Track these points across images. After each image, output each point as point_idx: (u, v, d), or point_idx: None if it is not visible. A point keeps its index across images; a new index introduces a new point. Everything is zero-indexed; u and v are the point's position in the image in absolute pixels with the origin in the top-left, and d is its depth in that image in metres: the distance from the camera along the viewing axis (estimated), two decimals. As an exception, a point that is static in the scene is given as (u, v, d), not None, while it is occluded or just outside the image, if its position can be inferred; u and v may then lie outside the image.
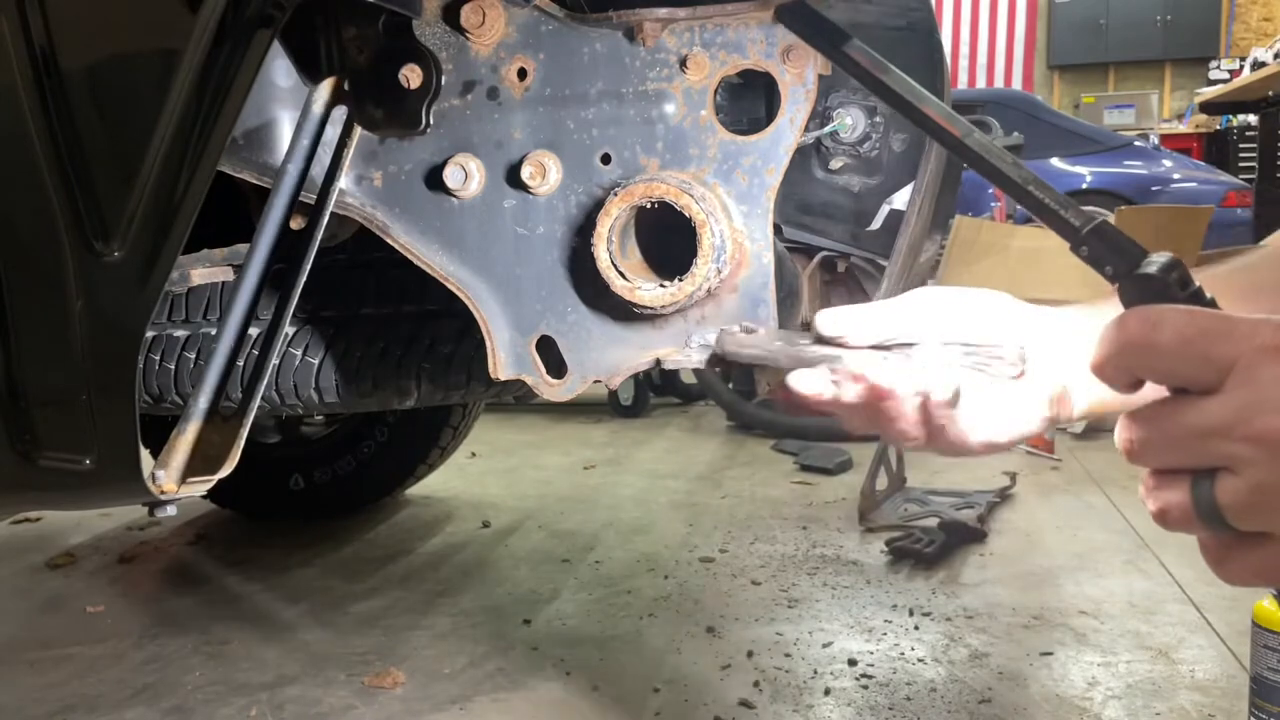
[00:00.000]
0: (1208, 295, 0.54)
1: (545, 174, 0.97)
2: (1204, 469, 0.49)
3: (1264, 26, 10.36)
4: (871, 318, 0.76)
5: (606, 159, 0.97)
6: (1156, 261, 0.56)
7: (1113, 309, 0.74)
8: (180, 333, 1.42)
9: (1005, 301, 0.78)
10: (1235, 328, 0.48)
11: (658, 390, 4.20)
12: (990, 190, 5.87)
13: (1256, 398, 0.46)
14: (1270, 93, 5.35)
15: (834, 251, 1.43)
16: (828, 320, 0.76)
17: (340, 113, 1.03)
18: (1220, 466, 0.48)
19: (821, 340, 0.78)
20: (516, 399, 1.58)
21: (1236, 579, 0.51)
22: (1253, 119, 7.38)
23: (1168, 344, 0.49)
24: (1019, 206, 0.72)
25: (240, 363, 1.04)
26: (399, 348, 1.36)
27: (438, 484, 2.86)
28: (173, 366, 1.40)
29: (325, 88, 1.03)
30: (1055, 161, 7.12)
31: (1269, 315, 0.48)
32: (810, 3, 0.90)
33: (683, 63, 0.94)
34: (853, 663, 1.72)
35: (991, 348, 0.73)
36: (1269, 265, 0.79)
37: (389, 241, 1.03)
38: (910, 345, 0.75)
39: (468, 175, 0.98)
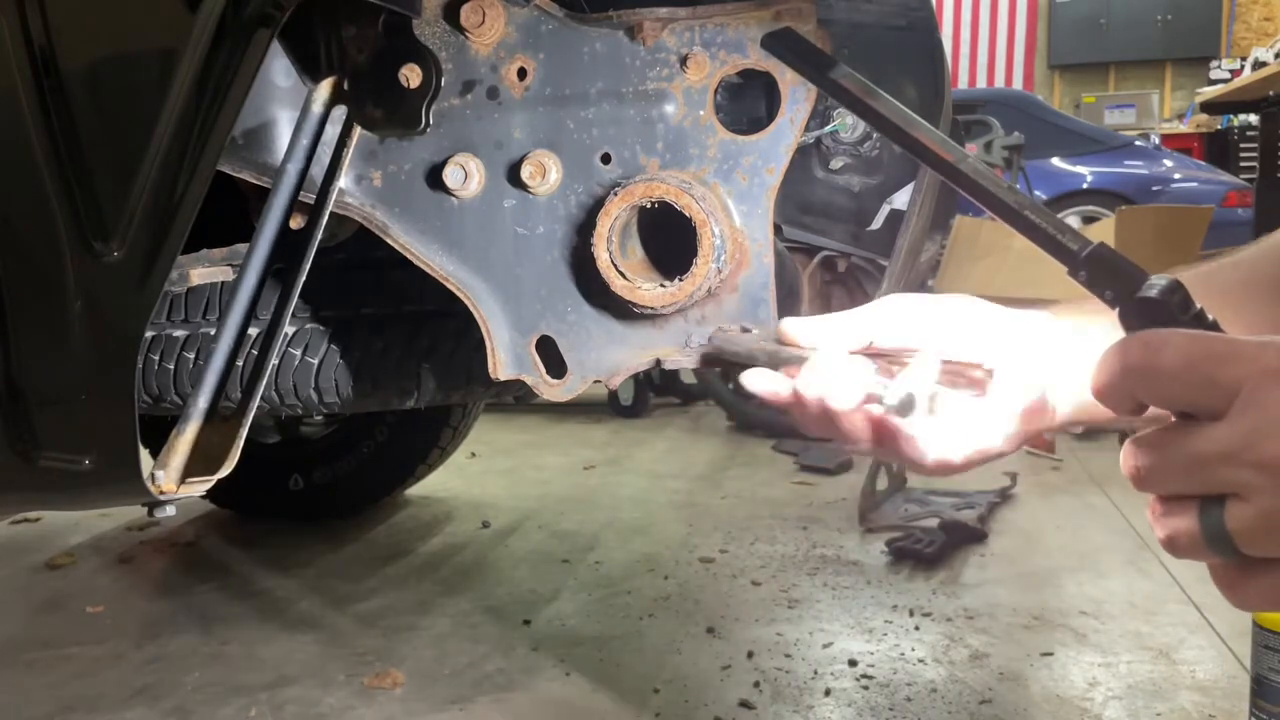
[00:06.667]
0: (1210, 318, 0.53)
1: (545, 174, 0.97)
2: (1212, 495, 0.48)
3: (1265, 26, 10.35)
4: (837, 327, 0.74)
5: (606, 159, 0.97)
6: (1157, 285, 0.54)
7: (1096, 308, 0.72)
8: (180, 333, 1.42)
9: (977, 308, 0.75)
10: (1240, 351, 0.47)
11: (658, 390, 4.20)
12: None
13: (1263, 422, 0.46)
14: (1271, 92, 5.33)
15: (834, 251, 1.43)
16: (792, 328, 0.75)
17: (340, 112, 1.03)
18: (1228, 493, 0.47)
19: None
20: (516, 399, 1.58)
21: (1250, 604, 0.50)
22: (1253, 119, 7.36)
23: (1171, 369, 0.48)
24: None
25: (240, 363, 1.04)
26: (399, 348, 1.36)
27: (438, 484, 2.86)
28: (172, 366, 1.40)
29: (325, 87, 1.03)
30: (1055, 161, 7.11)
31: (1272, 337, 0.47)
32: (809, 3, 0.90)
33: (683, 62, 0.94)
34: (853, 663, 1.71)
35: (968, 364, 0.70)
36: (1266, 260, 0.77)
37: (389, 241, 1.03)
38: (898, 353, 0.72)
39: (467, 175, 0.98)
